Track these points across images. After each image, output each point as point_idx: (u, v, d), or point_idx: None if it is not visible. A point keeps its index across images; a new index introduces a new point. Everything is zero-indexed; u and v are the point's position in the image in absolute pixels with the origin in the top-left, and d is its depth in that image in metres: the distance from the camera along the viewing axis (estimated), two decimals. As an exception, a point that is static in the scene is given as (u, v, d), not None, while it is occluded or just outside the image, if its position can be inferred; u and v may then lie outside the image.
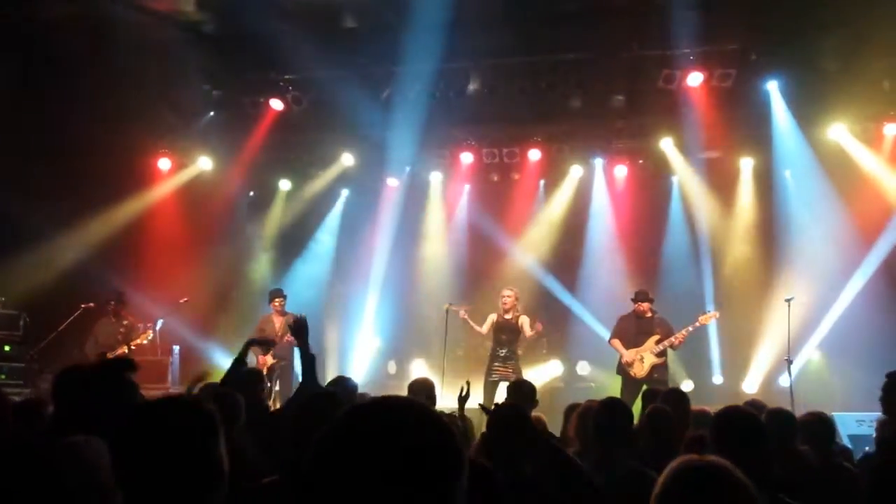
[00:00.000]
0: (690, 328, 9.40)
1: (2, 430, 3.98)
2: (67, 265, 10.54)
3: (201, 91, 11.16)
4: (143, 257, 11.40)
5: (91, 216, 11.11)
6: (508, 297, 9.71)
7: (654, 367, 9.28)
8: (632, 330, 9.52)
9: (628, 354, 9.38)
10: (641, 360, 9.31)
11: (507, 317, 9.68)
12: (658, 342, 9.31)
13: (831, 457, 4.62)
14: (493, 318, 9.80)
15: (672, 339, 9.30)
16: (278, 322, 10.34)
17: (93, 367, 3.33)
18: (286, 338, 9.75)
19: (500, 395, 8.55)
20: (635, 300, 9.58)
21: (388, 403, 1.32)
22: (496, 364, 9.57)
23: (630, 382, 9.27)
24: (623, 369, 9.45)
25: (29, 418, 4.43)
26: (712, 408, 5.50)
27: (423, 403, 1.34)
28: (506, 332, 9.66)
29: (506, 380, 8.99)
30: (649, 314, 9.50)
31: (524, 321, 9.64)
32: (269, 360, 10.13)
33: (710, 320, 9.70)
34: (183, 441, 1.94)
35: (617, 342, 9.58)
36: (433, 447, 1.27)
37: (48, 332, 9.97)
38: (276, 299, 10.55)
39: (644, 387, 8.39)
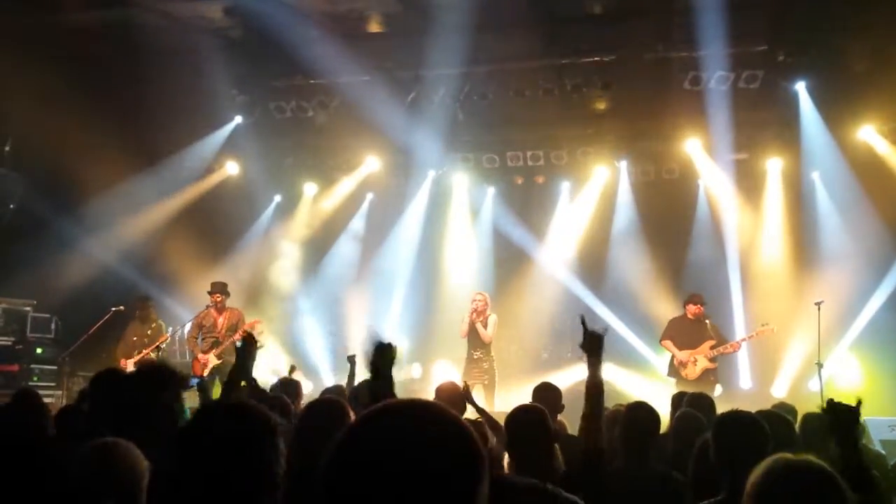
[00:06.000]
0: (747, 337, 9.37)
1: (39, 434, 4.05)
2: (98, 269, 10.69)
3: (228, 96, 11.28)
4: (172, 261, 11.53)
5: (121, 220, 11.26)
6: (479, 300, 9.74)
7: (706, 371, 9.21)
8: (685, 332, 9.44)
9: (682, 354, 9.31)
10: (695, 362, 9.24)
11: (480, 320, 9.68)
12: (713, 348, 9.24)
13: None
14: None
15: (727, 345, 9.26)
16: (220, 318, 9.80)
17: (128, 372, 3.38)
18: (234, 336, 9.33)
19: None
20: (687, 302, 9.51)
21: (400, 407, 1.30)
22: (470, 367, 9.58)
23: (681, 384, 9.09)
24: (675, 371, 9.39)
25: (67, 421, 4.51)
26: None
27: (440, 405, 1.31)
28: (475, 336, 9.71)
29: (479, 383, 9.14)
30: (703, 318, 9.41)
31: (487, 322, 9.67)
32: (213, 360, 9.51)
33: (767, 334, 9.43)
34: (240, 446, 1.95)
35: (669, 343, 9.51)
36: (451, 449, 1.24)
37: (80, 335, 10.14)
38: (217, 294, 9.77)
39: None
